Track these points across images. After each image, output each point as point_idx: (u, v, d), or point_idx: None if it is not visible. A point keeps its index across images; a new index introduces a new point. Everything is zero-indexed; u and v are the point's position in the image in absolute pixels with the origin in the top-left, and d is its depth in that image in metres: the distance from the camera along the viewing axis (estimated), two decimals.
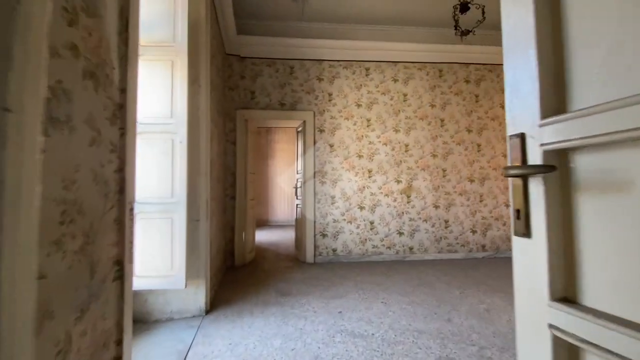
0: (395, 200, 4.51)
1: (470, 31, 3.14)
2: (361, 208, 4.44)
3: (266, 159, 8.80)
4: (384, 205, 4.48)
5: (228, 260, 4.09)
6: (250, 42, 4.29)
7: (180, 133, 2.19)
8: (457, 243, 4.57)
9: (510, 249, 4.55)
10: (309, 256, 4.26)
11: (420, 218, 4.53)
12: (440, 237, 4.55)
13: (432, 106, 4.66)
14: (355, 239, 4.40)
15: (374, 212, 4.47)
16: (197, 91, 2.50)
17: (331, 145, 4.45)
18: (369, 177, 4.49)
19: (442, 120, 4.66)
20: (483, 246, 4.62)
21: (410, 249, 4.50)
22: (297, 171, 4.81)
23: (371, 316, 2.44)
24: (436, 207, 4.57)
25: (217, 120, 3.36)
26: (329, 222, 4.37)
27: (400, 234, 4.49)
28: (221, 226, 3.68)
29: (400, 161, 4.56)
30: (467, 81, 4.75)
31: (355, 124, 4.50)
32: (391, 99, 4.59)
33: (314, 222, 4.32)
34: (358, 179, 4.46)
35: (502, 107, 4.79)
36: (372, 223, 4.45)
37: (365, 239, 4.42)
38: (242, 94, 4.31)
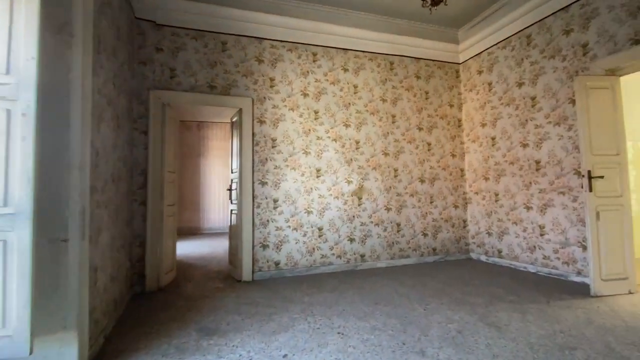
0: (345, 203, 4.03)
1: (442, 0, 2.79)
2: (308, 212, 3.85)
3: (198, 158, 7.71)
4: (333, 209, 3.97)
5: (136, 286, 3.14)
6: (170, 5, 3.41)
7: (23, 100, 1.34)
8: (409, 247, 4.28)
9: (459, 252, 4.41)
10: (246, 273, 3.53)
11: (372, 222, 4.13)
12: (393, 242, 4.20)
13: (383, 101, 4.31)
14: (301, 249, 3.79)
15: (322, 216, 3.92)
16: (66, 44, 1.64)
17: (273, 140, 3.78)
18: (317, 177, 3.93)
19: (393, 117, 4.34)
20: (434, 249, 4.40)
21: (362, 256, 4.05)
22: (231, 170, 4.03)
23: (327, 357, 1.85)
24: (388, 209, 4.21)
25: (115, 98, 2.45)
26: (271, 231, 3.69)
27: (351, 240, 4.02)
28: (122, 242, 2.74)
29: (351, 159, 4.10)
30: (418, 77, 4.52)
31: (301, 116, 3.91)
32: (341, 90, 4.11)
33: (253, 230, 3.60)
34: (305, 179, 3.87)
35: (451, 105, 4.67)
36: (320, 229, 3.90)
37: (314, 248, 3.85)
38: (158, 70, 3.39)
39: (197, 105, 3.72)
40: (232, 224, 3.90)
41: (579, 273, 3.21)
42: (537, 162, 3.64)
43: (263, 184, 3.70)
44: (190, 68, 3.51)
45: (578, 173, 3.21)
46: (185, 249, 5.68)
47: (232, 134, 4.04)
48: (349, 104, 4.15)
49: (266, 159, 3.73)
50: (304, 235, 3.81)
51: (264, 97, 3.78)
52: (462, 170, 4.67)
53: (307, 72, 3.98)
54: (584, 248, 3.16)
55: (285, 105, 3.86)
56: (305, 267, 3.79)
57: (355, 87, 4.19)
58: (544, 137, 3.57)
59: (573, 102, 3.25)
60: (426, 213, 4.40)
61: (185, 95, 3.45)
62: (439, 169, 4.53)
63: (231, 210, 3.93)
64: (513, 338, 2.04)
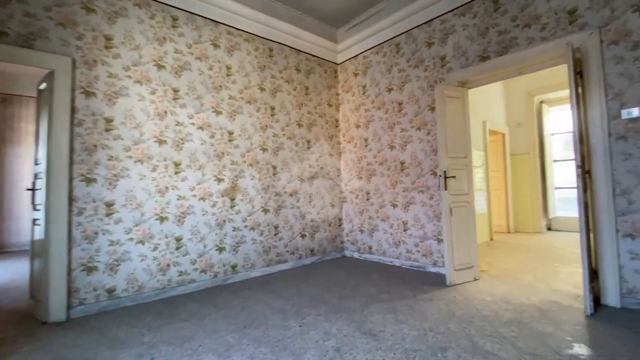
0: (214, 206, 3.36)
1: None
2: (162, 219, 3.01)
3: (1, 145, 5.42)
4: (198, 213, 3.24)
5: None
6: None
7: None
8: (287, 251, 3.95)
9: (334, 250, 4.37)
10: (56, 310, 2.42)
11: (246, 226, 3.59)
12: (270, 247, 3.78)
13: (262, 89, 3.85)
14: (150, 268, 2.91)
15: (182, 223, 3.14)
16: None
17: (108, 121, 2.77)
18: (177, 173, 3.13)
19: (272, 109, 3.93)
20: (312, 250, 4.22)
21: (234, 267, 3.47)
22: (35, 161, 2.75)
23: None
24: (265, 211, 3.77)
25: None
26: (102, 247, 2.68)
27: (221, 249, 3.38)
28: None
29: (223, 153, 3.46)
30: (298, 70, 4.26)
31: (154, 93, 3.02)
32: (210, 69, 3.42)
33: (69, 248, 2.52)
34: (158, 175, 3.01)
35: (329, 105, 4.62)
36: (179, 240, 3.11)
37: (168, 265, 3.02)
38: None
39: None
40: (35, 239, 2.66)
41: (434, 264, 3.55)
42: (402, 163, 3.89)
43: (89, 181, 2.65)
44: None
45: (434, 173, 3.55)
46: None
47: (39, 109, 2.77)
48: (221, 86, 3.50)
49: (95, 147, 2.69)
50: (155, 249, 2.95)
51: (95, 61, 2.73)
52: (338, 169, 4.68)
53: (164, 38, 3.12)
54: (439, 241, 3.51)
55: (130, 76, 2.90)
56: (155, 290, 2.92)
57: (229, 68, 3.57)
58: (408, 140, 3.84)
59: (432, 109, 3.58)
60: (305, 213, 4.18)
61: None
62: (317, 167, 4.39)
63: (34, 220, 2.67)
64: (390, 347, 1.90)
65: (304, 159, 4.22)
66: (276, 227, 3.86)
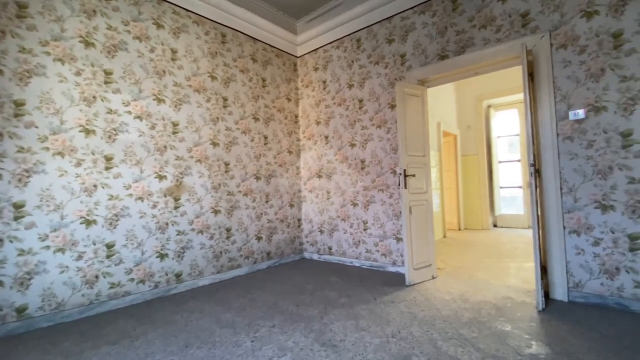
0: (154, 207, 2.96)
1: None
2: (88, 223, 2.56)
3: None
4: (134, 215, 2.82)
5: None
6: None
7: None
8: (241, 255, 3.65)
9: (293, 253, 4.16)
10: None
11: (193, 229, 3.23)
12: (221, 252, 3.46)
13: (213, 78, 3.50)
14: (73, 280, 2.45)
15: (115, 227, 2.71)
16: None
17: (19, 105, 2.28)
18: (108, 169, 2.69)
19: (225, 100, 3.60)
20: (268, 253, 3.96)
21: (178, 276, 3.09)
22: None
23: None
24: (216, 212, 3.43)
25: None
26: (9, 257, 2.18)
27: (163, 256, 2.99)
28: None
29: (166, 147, 3.07)
30: (254, 60, 3.97)
31: (79, 74, 2.56)
32: (151, 51, 3.01)
33: None
34: (84, 171, 2.55)
35: (289, 99, 4.39)
36: (110, 247, 2.67)
37: (96, 276, 2.58)
38: None
39: None
40: None
41: (394, 263, 3.50)
42: (363, 162, 3.80)
43: None
44: None
45: (394, 172, 3.50)
46: None
47: None
48: (164, 71, 3.10)
49: (1, 135, 2.19)
50: (79, 258, 2.49)
51: (3, 32, 2.22)
52: (298, 167, 4.47)
53: (94, 11, 2.67)
54: (398, 240, 3.47)
55: (48, 53, 2.41)
56: (79, 307, 2.47)
57: (174, 52, 3.19)
58: (368, 138, 3.75)
59: (392, 107, 3.53)
60: (261, 214, 3.91)
61: None
62: (275, 165, 4.14)
63: None
64: (351, 358, 1.74)
65: (260, 156, 3.95)
66: (228, 230, 3.54)
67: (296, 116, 4.51)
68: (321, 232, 4.23)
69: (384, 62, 3.62)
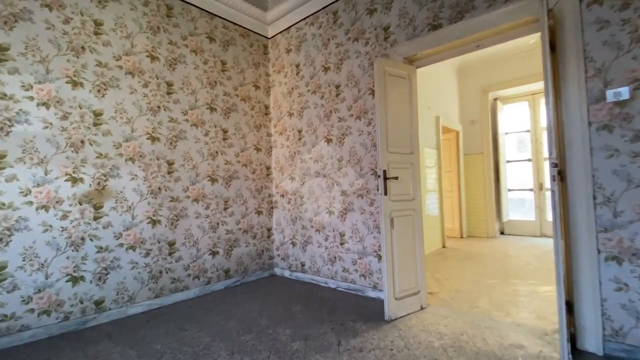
0: (65, 217, 2.33)
1: None
2: None
3: None
4: (35, 229, 2.19)
5: None
6: None
7: None
8: (189, 275, 3.00)
9: (261, 269, 3.51)
10: None
11: (121, 245, 2.59)
12: (161, 271, 2.81)
13: (154, 58, 2.86)
14: None
15: (6, 244, 2.08)
16: None
17: None
18: None
19: (169, 85, 2.96)
20: (226, 271, 3.31)
21: (99, 303, 2.46)
22: None
23: None
24: (154, 222, 2.79)
25: None
26: None
27: (76, 279, 2.36)
28: None
29: (83, 142, 2.44)
30: (211, 39, 3.32)
31: None
32: (66, 22, 2.37)
33: None
34: None
35: (256, 87, 3.73)
36: (0, 269, 2.05)
37: None
38: None
39: None
40: None
41: (375, 287, 2.82)
42: (340, 160, 3.13)
43: None
44: None
45: (375, 173, 2.83)
46: None
47: None
48: (83, 48, 2.46)
49: None
50: None
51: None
52: (268, 167, 3.82)
53: None
54: (380, 258, 2.80)
55: None
56: None
57: (99, 25, 2.55)
58: (346, 132, 3.08)
59: (373, 93, 2.86)
60: (218, 223, 3.26)
61: None
62: (238, 164, 3.49)
63: None
64: None
65: (217, 153, 3.30)
66: (172, 244, 2.90)
67: (266, 107, 3.85)
68: (293, 244, 3.57)
69: (364, 38, 2.94)
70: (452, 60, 5.62)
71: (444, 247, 4.94)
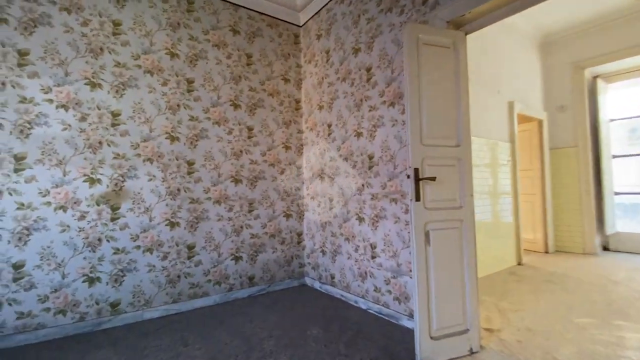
0: (83, 218, 2.34)
1: None
2: None
3: None
4: (53, 229, 2.23)
5: None
6: None
7: None
8: (209, 281, 2.84)
9: (290, 277, 3.20)
10: None
11: (138, 247, 2.53)
12: (179, 276, 2.70)
13: (173, 55, 2.77)
14: None
15: (25, 244, 2.15)
16: None
17: None
18: (18, 170, 2.14)
19: (189, 82, 2.85)
20: (250, 278, 3.08)
21: (115, 306, 2.42)
22: None
23: None
24: (172, 224, 2.69)
25: None
26: None
27: (92, 280, 2.35)
28: None
29: (101, 142, 2.43)
30: (236, 31, 3.13)
31: None
32: (84, 24, 2.40)
33: None
34: None
35: (286, 80, 3.44)
36: (18, 268, 2.12)
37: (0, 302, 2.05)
38: None
39: None
40: None
41: (411, 315, 2.26)
42: (371, 158, 2.63)
43: None
44: None
45: None
46: None
47: None
48: (101, 49, 2.47)
49: None
50: None
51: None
52: (299, 167, 3.49)
53: None
54: None
55: None
56: None
57: (117, 25, 2.54)
58: (377, 123, 2.57)
59: None
60: (241, 227, 3.05)
61: None
62: (264, 164, 3.24)
63: None
64: None
65: (242, 152, 3.09)
66: (191, 248, 2.77)
67: (297, 101, 3.53)
68: (323, 253, 3.18)
69: (399, 6, 2.40)
70: (532, 31, 4.55)
71: (519, 264, 3.99)
